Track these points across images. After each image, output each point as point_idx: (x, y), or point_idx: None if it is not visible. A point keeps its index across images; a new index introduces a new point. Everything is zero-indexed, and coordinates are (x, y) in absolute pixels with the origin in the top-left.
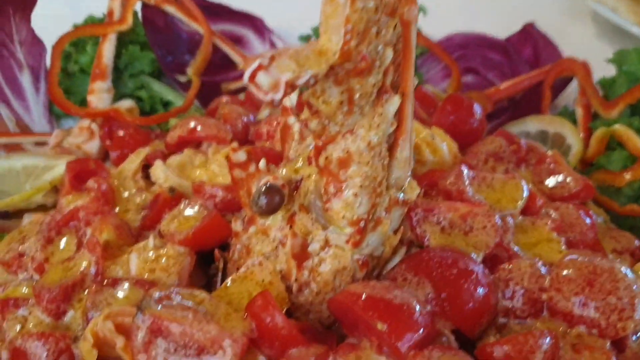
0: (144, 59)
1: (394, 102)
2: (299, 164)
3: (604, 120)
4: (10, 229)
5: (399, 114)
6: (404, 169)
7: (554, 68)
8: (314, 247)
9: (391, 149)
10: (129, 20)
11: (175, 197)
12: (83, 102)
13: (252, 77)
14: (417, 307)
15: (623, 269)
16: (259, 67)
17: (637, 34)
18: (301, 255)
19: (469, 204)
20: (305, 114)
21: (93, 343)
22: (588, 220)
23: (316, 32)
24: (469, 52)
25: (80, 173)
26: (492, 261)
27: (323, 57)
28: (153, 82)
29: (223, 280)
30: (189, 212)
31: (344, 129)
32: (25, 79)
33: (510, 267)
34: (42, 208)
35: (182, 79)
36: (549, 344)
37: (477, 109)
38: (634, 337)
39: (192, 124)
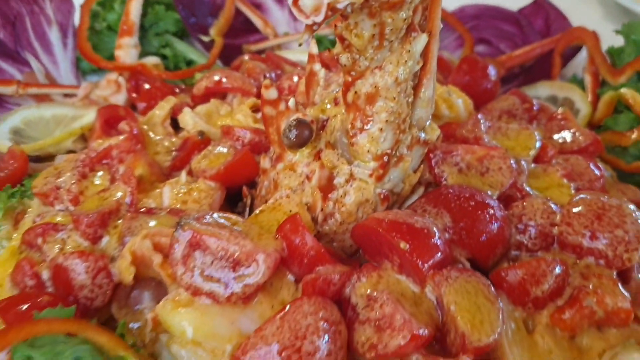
0: (168, 19)
1: (422, 40)
2: (326, 106)
3: (611, 87)
4: (42, 171)
5: (425, 53)
6: (427, 108)
7: (564, 36)
8: (339, 180)
9: (416, 88)
10: None
11: (204, 141)
12: (110, 59)
13: (295, 0)
14: (437, 232)
15: (631, 206)
16: None
17: None
18: (327, 187)
19: (485, 147)
20: (337, 48)
21: (131, 261)
22: (597, 171)
23: None
24: (481, 22)
25: (111, 119)
26: (505, 201)
27: None
28: (177, 42)
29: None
30: (219, 149)
31: (373, 64)
32: (53, 35)
33: (524, 204)
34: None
35: (206, 38)
36: (560, 270)
37: (492, 70)
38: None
39: (217, 76)
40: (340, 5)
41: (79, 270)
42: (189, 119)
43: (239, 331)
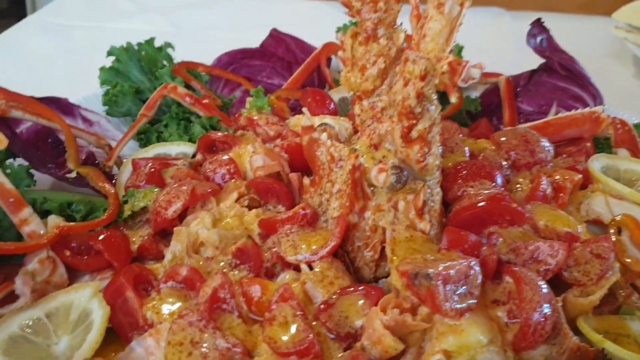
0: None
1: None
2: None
3: None
4: None
5: None
6: None
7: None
8: (426, 196)
9: None
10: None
11: None
12: None
13: None
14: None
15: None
16: None
17: None
18: (421, 207)
19: None
20: None
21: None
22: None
23: None
24: (236, 65)
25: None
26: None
27: None
28: (54, 193)
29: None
30: None
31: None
32: None
33: None
34: None
35: (72, 175)
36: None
37: None
38: None
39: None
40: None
41: None
42: None
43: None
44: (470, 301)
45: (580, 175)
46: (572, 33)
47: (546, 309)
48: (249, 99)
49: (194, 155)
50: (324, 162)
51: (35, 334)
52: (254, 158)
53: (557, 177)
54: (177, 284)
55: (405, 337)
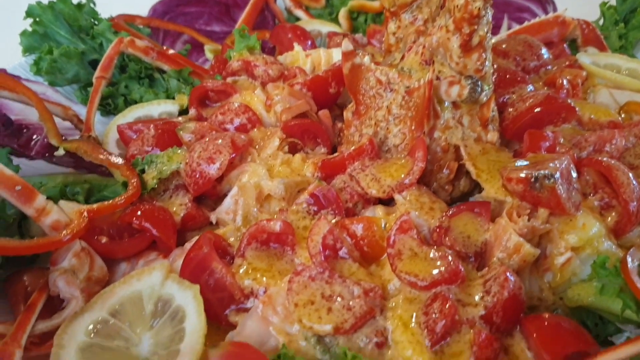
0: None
1: None
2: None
3: None
4: None
5: None
6: None
7: None
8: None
9: None
10: None
11: None
12: None
13: None
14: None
15: None
16: None
17: None
18: (485, 115)
19: None
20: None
21: None
22: None
23: None
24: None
25: None
26: None
27: None
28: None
29: None
30: None
31: None
32: None
33: None
34: None
35: (60, 152)
36: None
37: None
38: None
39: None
40: None
41: None
42: None
43: None
44: (578, 196)
45: (585, 72)
46: None
47: (639, 190)
48: (207, 47)
49: (181, 112)
50: (370, 89)
51: (109, 338)
52: (275, 100)
53: (568, 76)
54: (259, 245)
55: None
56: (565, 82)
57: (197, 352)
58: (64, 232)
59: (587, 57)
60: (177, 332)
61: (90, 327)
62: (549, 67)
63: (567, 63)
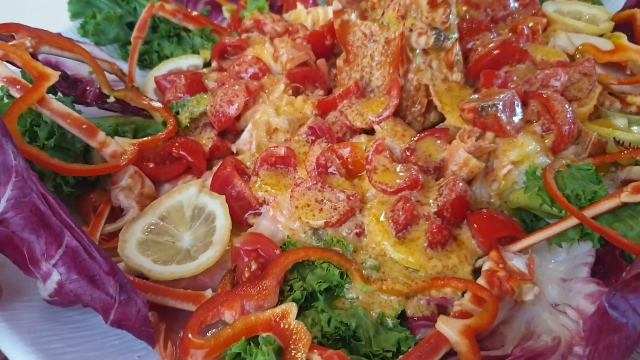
0: None
1: None
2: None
3: None
4: None
5: None
6: None
7: None
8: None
9: None
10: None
11: None
12: None
13: None
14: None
15: None
16: None
17: None
18: (452, 61)
19: None
20: None
21: None
22: None
23: None
24: None
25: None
26: None
27: None
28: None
29: None
30: None
31: None
32: None
33: None
34: None
35: (111, 100)
36: None
37: None
38: None
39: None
40: None
41: None
42: None
43: None
44: (519, 121)
45: (545, 19)
46: None
47: (571, 116)
48: (225, 7)
49: (205, 65)
50: (357, 40)
51: (159, 235)
52: (281, 52)
53: (530, 23)
54: (269, 166)
55: None
56: (525, 28)
57: (225, 241)
58: (121, 158)
59: (552, 5)
60: (210, 229)
61: (145, 227)
62: (516, 15)
63: (532, 12)
